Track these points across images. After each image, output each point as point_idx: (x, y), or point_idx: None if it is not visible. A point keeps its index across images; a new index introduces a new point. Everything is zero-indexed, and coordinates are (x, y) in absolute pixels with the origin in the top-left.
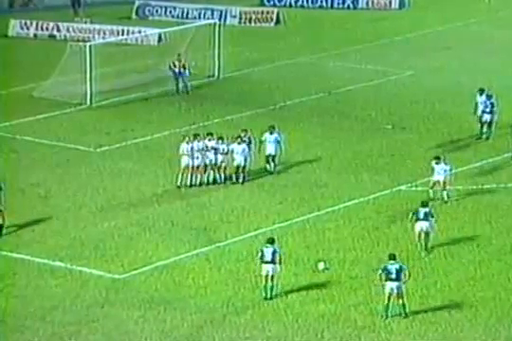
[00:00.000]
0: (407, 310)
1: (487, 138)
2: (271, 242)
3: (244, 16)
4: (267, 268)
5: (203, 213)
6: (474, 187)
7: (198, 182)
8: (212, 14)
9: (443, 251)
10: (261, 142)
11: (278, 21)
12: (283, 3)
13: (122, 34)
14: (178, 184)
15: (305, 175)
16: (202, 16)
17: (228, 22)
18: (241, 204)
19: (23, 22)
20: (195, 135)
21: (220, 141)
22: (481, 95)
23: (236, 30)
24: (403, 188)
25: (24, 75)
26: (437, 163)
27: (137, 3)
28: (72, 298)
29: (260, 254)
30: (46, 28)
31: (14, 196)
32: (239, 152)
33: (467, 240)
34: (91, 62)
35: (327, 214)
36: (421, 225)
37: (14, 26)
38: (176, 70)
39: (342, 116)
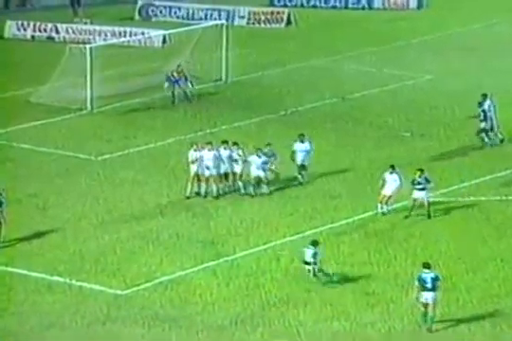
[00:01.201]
0: (434, 324)
1: (502, 141)
2: (314, 243)
3: (252, 17)
4: (308, 268)
5: (210, 225)
6: (498, 197)
7: (209, 192)
8: (219, 15)
9: (465, 266)
10: (293, 152)
11: (289, 22)
12: (294, 3)
13: (125, 36)
14: (187, 194)
15: (318, 185)
16: (209, 17)
17: (235, 23)
18: (250, 215)
19: (19, 23)
20: (208, 143)
21: (236, 146)
22: (484, 101)
23: (244, 32)
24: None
25: (20, 79)
26: (391, 173)
27: (139, 3)
28: (71, 315)
29: (302, 254)
30: (44, 30)
31: (11, 207)
32: (258, 165)
33: (491, 254)
34: (92, 65)
35: (341, 227)
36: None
37: (10, 28)
38: (174, 80)
39: (357, 122)
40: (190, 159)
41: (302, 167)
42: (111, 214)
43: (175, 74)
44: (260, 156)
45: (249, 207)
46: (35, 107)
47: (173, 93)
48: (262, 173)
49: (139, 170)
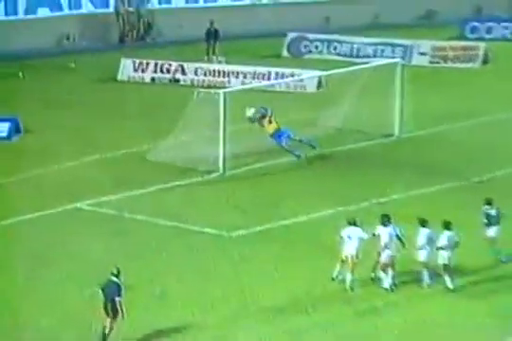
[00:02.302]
0: None
1: None
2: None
3: (437, 53)
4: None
5: (377, 324)
6: None
7: (377, 281)
8: (393, 51)
9: None
10: None
11: (485, 60)
12: (493, 35)
13: (268, 78)
14: (334, 276)
15: None
16: (379, 54)
17: (414, 61)
18: (430, 314)
19: (137, 62)
20: (386, 219)
21: (425, 226)
22: None
23: (426, 73)
24: None
25: (136, 132)
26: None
27: (289, 36)
28: None
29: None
30: (168, 70)
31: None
32: (447, 240)
33: None
34: (225, 115)
35: None
36: None
37: (126, 68)
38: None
39: None
40: (344, 238)
41: None
42: (247, 306)
43: (265, 124)
44: (449, 229)
45: (430, 304)
46: (153, 168)
47: (291, 152)
48: (446, 259)
49: (285, 249)
